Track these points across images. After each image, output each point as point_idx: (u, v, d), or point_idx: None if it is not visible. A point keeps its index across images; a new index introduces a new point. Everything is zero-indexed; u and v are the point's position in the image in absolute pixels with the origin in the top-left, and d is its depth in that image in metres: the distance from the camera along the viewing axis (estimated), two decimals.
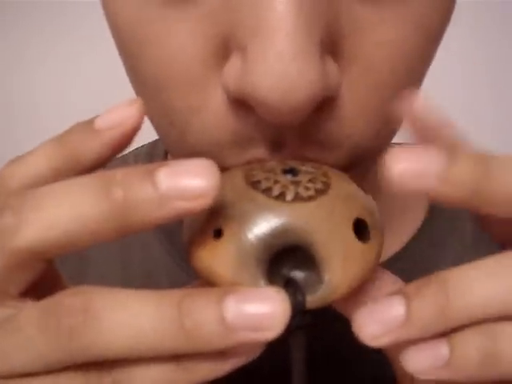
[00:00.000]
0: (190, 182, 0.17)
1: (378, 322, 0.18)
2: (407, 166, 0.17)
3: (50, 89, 1.04)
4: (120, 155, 0.41)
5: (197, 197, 0.17)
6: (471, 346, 0.18)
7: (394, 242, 0.34)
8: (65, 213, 0.17)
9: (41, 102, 1.04)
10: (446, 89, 0.94)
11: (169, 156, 0.38)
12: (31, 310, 0.18)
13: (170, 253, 0.35)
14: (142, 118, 0.20)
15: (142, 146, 0.41)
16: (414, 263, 0.33)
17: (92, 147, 0.20)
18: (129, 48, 0.23)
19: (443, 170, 0.17)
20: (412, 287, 0.19)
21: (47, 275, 0.20)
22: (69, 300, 0.17)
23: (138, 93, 0.25)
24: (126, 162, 0.40)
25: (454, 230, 0.35)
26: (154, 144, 0.40)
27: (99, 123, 0.20)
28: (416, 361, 0.18)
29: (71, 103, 1.03)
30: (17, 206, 0.18)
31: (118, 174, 0.18)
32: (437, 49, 0.24)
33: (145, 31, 0.21)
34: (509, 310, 0.18)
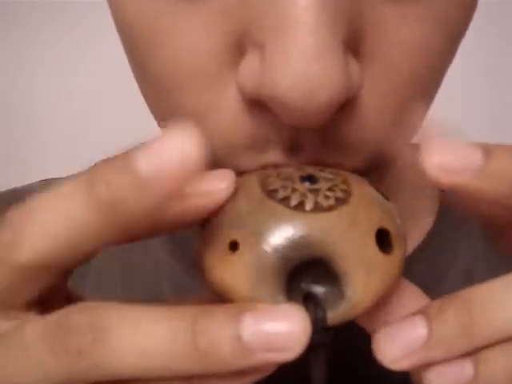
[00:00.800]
0: (171, 152, 0.15)
1: (398, 344, 0.18)
2: (445, 159, 0.16)
3: (49, 89, 1.03)
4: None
5: (181, 166, 0.15)
6: (496, 364, 0.17)
7: None
8: (58, 221, 0.16)
9: (40, 102, 1.04)
10: (445, 89, 0.94)
11: None
12: (37, 327, 0.17)
13: (173, 254, 0.34)
14: (204, 155, 0.16)
15: None
16: (425, 267, 0.32)
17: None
18: (137, 45, 0.21)
19: (481, 165, 0.17)
20: (434, 307, 0.18)
21: (58, 287, 0.19)
22: (77, 317, 0.17)
23: (145, 93, 0.24)
24: None
25: (464, 234, 0.34)
26: None
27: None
28: (440, 381, 0.18)
29: (71, 104, 1.03)
30: (13, 222, 0.17)
31: (100, 168, 0.16)
32: (458, 47, 0.23)
33: (154, 27, 0.20)
34: None
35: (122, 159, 0.16)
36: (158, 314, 0.16)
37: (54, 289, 0.19)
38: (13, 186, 0.41)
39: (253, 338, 0.16)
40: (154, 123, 0.25)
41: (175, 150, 0.15)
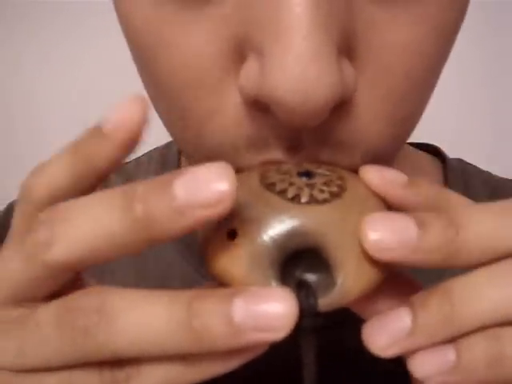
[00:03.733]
0: (207, 188, 0.17)
1: (385, 333, 0.19)
2: (381, 237, 0.18)
3: (49, 90, 1.04)
4: (134, 157, 0.41)
5: (215, 203, 0.17)
6: (477, 350, 0.18)
7: None
8: (91, 228, 0.18)
9: (40, 102, 1.05)
10: (442, 88, 0.94)
11: (182, 159, 0.38)
12: (49, 309, 0.19)
13: (184, 255, 0.35)
14: (146, 114, 0.19)
15: (156, 149, 0.41)
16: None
17: (104, 151, 0.20)
18: (143, 50, 0.23)
19: (415, 241, 0.18)
20: (418, 298, 0.19)
21: (72, 283, 0.21)
22: (83, 300, 0.18)
23: (152, 95, 0.25)
24: (139, 164, 0.40)
25: None
26: (167, 146, 0.40)
27: (106, 126, 0.20)
28: (423, 366, 0.19)
29: (70, 104, 1.03)
30: (48, 221, 0.19)
31: (139, 187, 0.18)
32: (451, 48, 0.24)
33: (160, 33, 0.22)
34: None
35: (162, 183, 0.18)
36: (158, 297, 0.18)
37: (70, 283, 0.21)
38: (12, 186, 0.42)
39: (244, 319, 0.17)
40: (154, 123, 0.26)
41: (212, 184, 0.17)
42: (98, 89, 0.99)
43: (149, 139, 0.21)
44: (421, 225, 0.19)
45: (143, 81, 0.25)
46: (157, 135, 0.27)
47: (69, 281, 0.20)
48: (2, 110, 1.06)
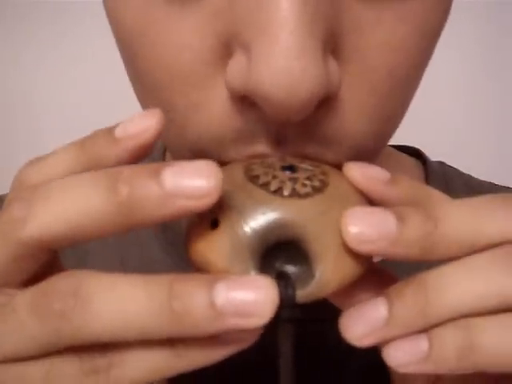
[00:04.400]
0: (194, 181, 0.17)
1: (361, 323, 0.20)
2: (361, 229, 0.19)
3: (49, 89, 1.03)
4: None
5: (201, 196, 0.17)
6: (449, 340, 0.19)
7: None
8: (72, 206, 0.18)
9: (39, 102, 1.04)
10: (446, 89, 0.95)
11: (167, 155, 0.39)
12: (26, 294, 0.18)
13: (168, 252, 0.36)
14: (161, 129, 0.20)
15: None
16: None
17: (112, 155, 0.20)
18: (131, 46, 0.23)
19: (394, 234, 0.19)
20: (394, 289, 0.20)
21: (50, 266, 0.21)
22: (59, 283, 0.18)
23: (137, 91, 0.25)
24: None
25: None
26: None
27: (120, 132, 0.20)
28: (397, 356, 0.19)
29: (70, 104, 1.03)
30: (26, 198, 0.19)
31: (125, 170, 0.18)
32: (434, 48, 0.24)
33: (147, 29, 0.22)
34: (483, 306, 0.19)
35: (149, 169, 0.18)
36: (135, 280, 0.18)
37: (48, 267, 0.21)
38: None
39: (225, 303, 0.17)
40: None
41: (201, 177, 0.18)
42: (97, 89, 0.98)
43: None
44: (400, 218, 0.19)
45: (129, 76, 0.25)
46: None
47: (47, 265, 0.20)
48: (1, 110, 1.05)
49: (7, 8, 1.02)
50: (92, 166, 0.20)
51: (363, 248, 0.19)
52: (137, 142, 0.20)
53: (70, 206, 0.18)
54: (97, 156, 0.20)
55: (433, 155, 0.41)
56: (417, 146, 0.41)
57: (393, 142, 0.26)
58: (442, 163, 0.40)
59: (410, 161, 0.39)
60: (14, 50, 1.04)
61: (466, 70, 0.97)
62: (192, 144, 0.23)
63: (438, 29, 0.23)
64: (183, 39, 0.21)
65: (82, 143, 0.21)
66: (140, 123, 0.20)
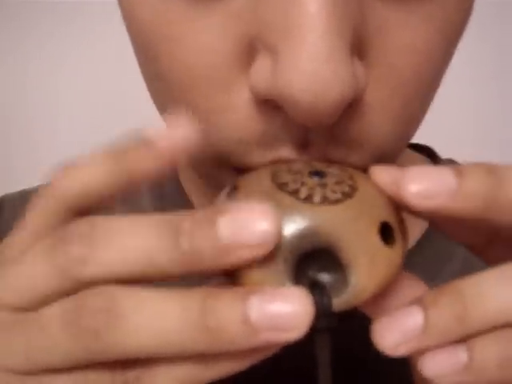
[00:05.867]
0: (252, 229, 0.17)
1: (396, 331, 0.19)
2: (420, 186, 0.18)
3: (46, 89, 1.03)
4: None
5: (259, 245, 0.17)
6: (490, 350, 0.18)
7: None
8: (134, 253, 0.18)
9: (38, 102, 1.04)
10: (451, 89, 0.94)
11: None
12: (53, 309, 0.18)
13: None
14: (196, 138, 0.20)
15: None
16: (425, 259, 0.34)
17: (147, 166, 0.20)
18: (150, 47, 0.22)
19: (455, 187, 0.18)
20: (429, 297, 0.19)
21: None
22: (92, 299, 0.18)
23: (155, 95, 0.25)
24: None
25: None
26: None
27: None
28: (434, 366, 0.19)
29: (69, 103, 1.03)
30: (86, 236, 0.18)
31: (185, 222, 0.18)
32: (455, 49, 0.24)
33: (169, 29, 0.21)
34: None
35: (208, 218, 0.18)
36: (169, 296, 0.18)
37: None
38: (10, 186, 0.42)
39: (260, 318, 0.17)
40: (153, 122, 0.26)
41: (256, 225, 0.17)
42: (97, 88, 0.98)
43: None
44: (458, 173, 0.18)
45: (145, 76, 0.25)
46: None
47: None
48: (1, 109, 1.05)
49: (2, 7, 1.02)
50: (126, 177, 0.19)
51: (423, 205, 0.18)
52: (172, 155, 0.19)
53: (132, 253, 0.18)
54: (131, 167, 0.20)
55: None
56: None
57: None
58: (452, 160, 0.40)
59: (422, 159, 0.39)
60: (13, 50, 1.04)
61: (469, 71, 0.97)
62: (215, 148, 0.23)
63: (460, 29, 0.23)
64: (205, 40, 0.21)
65: (117, 153, 0.20)
66: (175, 131, 0.19)
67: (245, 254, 0.17)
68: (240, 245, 0.17)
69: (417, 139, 0.40)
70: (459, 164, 0.40)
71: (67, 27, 1.01)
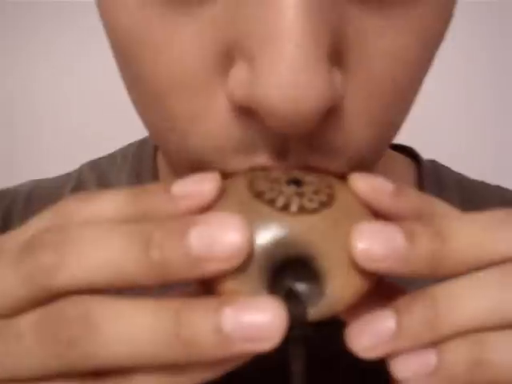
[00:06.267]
0: (222, 242, 0.17)
1: (368, 335, 0.19)
2: (370, 247, 0.19)
3: (49, 89, 1.03)
4: (108, 154, 0.41)
5: (229, 258, 0.18)
6: (459, 354, 0.19)
7: None
8: (104, 263, 0.18)
9: (40, 102, 1.04)
10: (448, 89, 0.95)
11: (158, 155, 0.38)
12: (30, 318, 0.18)
13: None
14: (218, 193, 0.20)
15: (130, 145, 0.40)
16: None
17: (165, 213, 0.19)
18: (128, 53, 0.22)
19: (403, 252, 0.19)
20: (403, 301, 0.20)
21: None
22: (67, 310, 0.18)
23: (134, 97, 0.24)
24: (114, 160, 0.39)
25: None
26: (141, 144, 0.39)
27: (176, 190, 0.20)
28: (405, 369, 0.19)
29: (70, 103, 1.03)
30: (58, 244, 0.18)
31: (156, 233, 0.18)
32: (435, 56, 0.24)
33: (146, 34, 0.21)
34: (493, 321, 0.19)
35: (179, 229, 0.18)
36: (142, 306, 0.18)
37: None
38: (13, 180, 0.42)
39: (233, 329, 0.17)
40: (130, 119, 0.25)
41: (227, 237, 0.17)
42: (98, 88, 0.98)
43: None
44: (408, 235, 0.19)
45: (126, 82, 0.24)
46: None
47: None
48: (2, 110, 1.04)
49: (6, 8, 1.01)
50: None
51: (372, 266, 0.19)
52: (193, 204, 0.19)
53: (103, 261, 0.18)
54: (148, 213, 0.20)
55: (432, 155, 0.41)
56: (416, 146, 0.41)
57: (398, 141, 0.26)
58: (434, 162, 0.40)
59: (403, 160, 0.39)
60: (13, 50, 1.04)
61: (467, 70, 0.98)
62: (192, 154, 0.22)
63: (439, 37, 0.23)
64: (182, 45, 0.21)
65: (136, 195, 0.20)
66: (198, 184, 0.20)
67: (215, 266, 0.18)
68: (210, 257, 0.17)
69: (416, 139, 0.40)
70: (440, 165, 0.40)
71: (69, 26, 1.01)
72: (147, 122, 0.24)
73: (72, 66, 1.02)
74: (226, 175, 0.22)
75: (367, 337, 0.19)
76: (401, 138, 0.30)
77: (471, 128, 0.99)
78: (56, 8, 1.00)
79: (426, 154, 0.41)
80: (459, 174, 0.40)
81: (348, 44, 0.20)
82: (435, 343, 0.19)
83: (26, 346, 0.18)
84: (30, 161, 1.03)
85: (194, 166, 0.23)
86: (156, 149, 0.38)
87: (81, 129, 1.02)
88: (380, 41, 0.21)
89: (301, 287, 0.19)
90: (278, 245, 0.19)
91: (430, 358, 0.19)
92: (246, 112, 0.21)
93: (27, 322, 0.18)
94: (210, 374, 0.18)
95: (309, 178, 0.21)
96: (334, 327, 0.22)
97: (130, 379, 0.18)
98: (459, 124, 0.98)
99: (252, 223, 0.19)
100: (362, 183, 0.21)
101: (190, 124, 0.22)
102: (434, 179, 0.38)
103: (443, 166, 0.40)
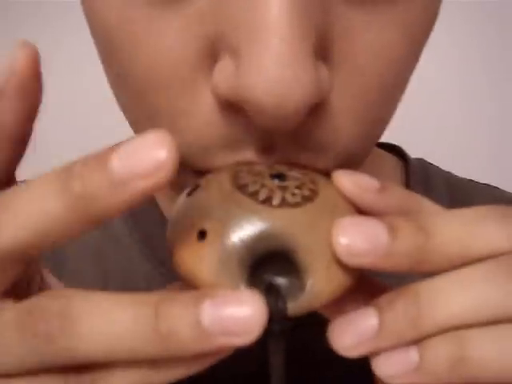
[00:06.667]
0: (144, 157, 0.16)
1: (351, 333, 0.19)
2: (352, 242, 0.18)
3: (54, 89, 1.04)
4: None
5: (154, 172, 0.16)
6: (440, 352, 0.19)
7: None
8: (33, 214, 0.17)
9: (45, 102, 1.04)
10: (445, 88, 0.95)
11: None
12: (9, 313, 0.18)
13: (144, 253, 0.35)
14: (177, 163, 0.17)
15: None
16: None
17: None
18: (112, 50, 0.22)
19: (385, 247, 0.19)
20: (385, 299, 0.20)
21: (30, 274, 0.20)
22: (46, 303, 0.17)
23: (119, 96, 0.24)
24: None
25: None
26: None
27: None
28: (387, 367, 0.19)
29: (76, 103, 1.03)
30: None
31: (76, 166, 0.17)
32: (421, 52, 0.24)
33: (131, 31, 0.21)
34: (475, 318, 0.19)
35: (97, 158, 0.17)
36: (121, 301, 0.17)
37: (27, 277, 0.20)
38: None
39: (212, 323, 0.16)
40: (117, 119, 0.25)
41: (149, 152, 0.16)
42: (99, 89, 0.98)
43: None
44: (391, 230, 0.19)
45: (109, 79, 0.24)
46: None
47: (26, 275, 0.19)
48: None
49: (11, 8, 1.02)
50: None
51: (353, 261, 0.19)
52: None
53: (33, 215, 0.17)
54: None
55: (431, 156, 0.41)
56: (414, 147, 0.41)
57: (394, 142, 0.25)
58: (421, 160, 0.40)
59: (390, 159, 0.39)
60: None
61: (465, 70, 0.97)
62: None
63: (425, 33, 0.23)
64: (167, 42, 0.21)
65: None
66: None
67: (140, 185, 0.16)
68: (133, 175, 0.16)
69: (413, 138, 0.40)
70: (428, 164, 0.40)
71: (76, 26, 1.01)
72: (131, 120, 0.24)
73: (79, 66, 1.02)
74: (210, 171, 0.22)
75: (350, 335, 0.19)
76: (401, 138, 0.29)
77: (472, 128, 0.98)
78: (63, 8, 1.00)
79: (425, 154, 0.41)
80: (447, 172, 0.40)
81: (334, 39, 0.20)
82: (418, 340, 0.19)
83: (6, 340, 0.18)
84: (33, 161, 1.03)
85: (180, 162, 0.23)
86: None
87: (88, 129, 1.02)
88: (366, 36, 0.21)
89: (281, 281, 0.19)
90: (258, 237, 0.19)
91: (412, 356, 0.19)
92: (231, 108, 0.21)
93: (6, 317, 0.18)
94: (190, 370, 0.18)
95: (293, 173, 0.21)
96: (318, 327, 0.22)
97: (111, 374, 0.18)
98: (458, 124, 0.98)
99: (233, 215, 0.19)
100: (346, 180, 0.21)
101: (174, 121, 0.22)
102: (421, 178, 0.38)
103: (431, 164, 0.40)
